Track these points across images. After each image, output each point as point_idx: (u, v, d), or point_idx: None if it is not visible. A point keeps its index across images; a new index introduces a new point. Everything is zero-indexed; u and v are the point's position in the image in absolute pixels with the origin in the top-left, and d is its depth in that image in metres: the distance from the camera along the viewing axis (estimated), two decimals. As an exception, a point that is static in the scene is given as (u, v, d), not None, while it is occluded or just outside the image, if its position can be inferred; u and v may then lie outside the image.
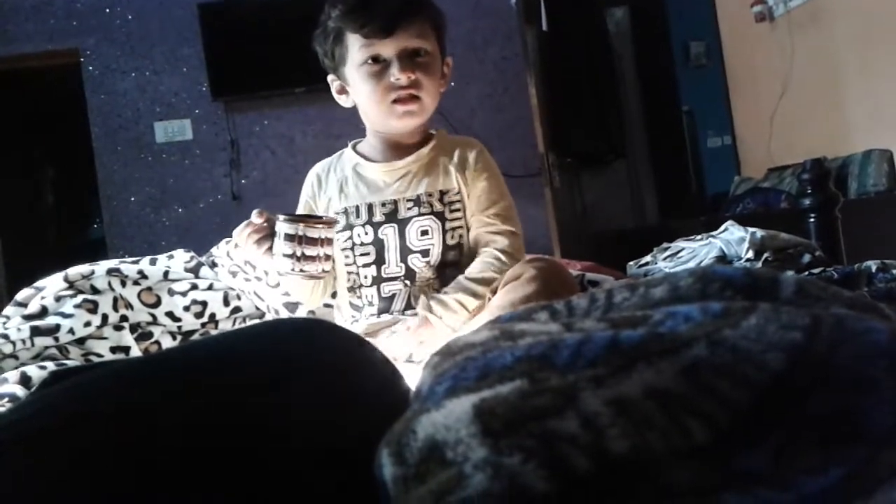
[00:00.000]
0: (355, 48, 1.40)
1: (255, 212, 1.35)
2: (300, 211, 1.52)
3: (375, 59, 1.39)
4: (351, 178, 1.49)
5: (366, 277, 1.44)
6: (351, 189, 1.48)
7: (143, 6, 4.47)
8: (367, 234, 1.44)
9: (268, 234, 1.32)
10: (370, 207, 1.45)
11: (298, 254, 1.27)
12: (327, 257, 1.29)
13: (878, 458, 0.42)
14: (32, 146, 5.90)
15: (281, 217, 1.30)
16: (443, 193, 1.45)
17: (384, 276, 1.43)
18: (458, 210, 1.46)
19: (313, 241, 1.27)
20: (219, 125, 4.49)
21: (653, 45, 5.10)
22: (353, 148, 1.54)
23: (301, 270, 1.28)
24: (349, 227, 1.45)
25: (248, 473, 0.48)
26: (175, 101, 4.48)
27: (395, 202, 1.44)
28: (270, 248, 1.31)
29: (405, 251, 1.42)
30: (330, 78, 1.51)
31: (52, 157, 6.14)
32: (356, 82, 1.43)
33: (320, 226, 1.28)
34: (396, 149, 1.49)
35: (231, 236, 1.82)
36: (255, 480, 0.48)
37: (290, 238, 1.27)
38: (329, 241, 1.29)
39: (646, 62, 5.12)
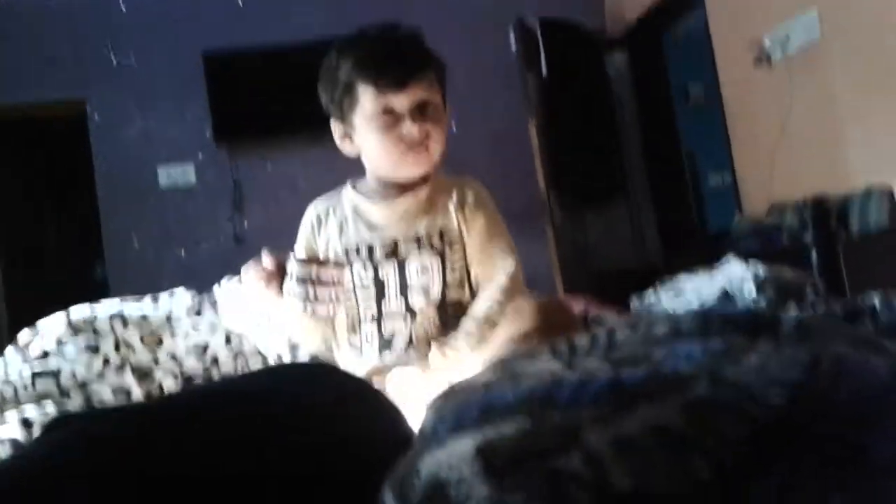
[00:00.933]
0: (367, 99, 1.41)
1: (264, 253, 1.36)
2: (300, 248, 1.53)
3: (387, 111, 1.41)
4: (351, 218, 1.50)
5: (366, 314, 1.45)
6: (351, 229, 1.49)
7: (149, 56, 4.54)
8: (366, 272, 1.44)
9: (276, 275, 1.33)
10: (370, 248, 1.46)
11: (310, 296, 1.28)
12: (338, 299, 1.31)
13: (879, 492, 0.41)
14: (38, 190, 5.94)
15: (293, 259, 1.31)
16: (443, 232, 1.46)
17: (384, 312, 1.44)
18: (458, 249, 1.47)
19: (325, 283, 1.29)
20: (222, 169, 4.52)
21: (652, 87, 5.15)
22: (353, 187, 1.55)
23: (313, 312, 1.29)
24: (349, 264, 1.45)
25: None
26: (178, 145, 4.52)
27: (396, 241, 1.45)
28: (279, 289, 1.32)
29: (405, 288, 1.43)
30: (334, 125, 1.51)
31: (56, 200, 6.17)
32: (365, 132, 1.44)
33: (333, 269, 1.30)
34: (398, 189, 1.49)
35: (233, 276, 1.83)
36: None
37: (302, 280, 1.28)
38: (339, 284, 1.31)
39: (645, 104, 5.17)
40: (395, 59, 1.40)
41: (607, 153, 4.76)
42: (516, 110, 4.63)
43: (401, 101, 1.40)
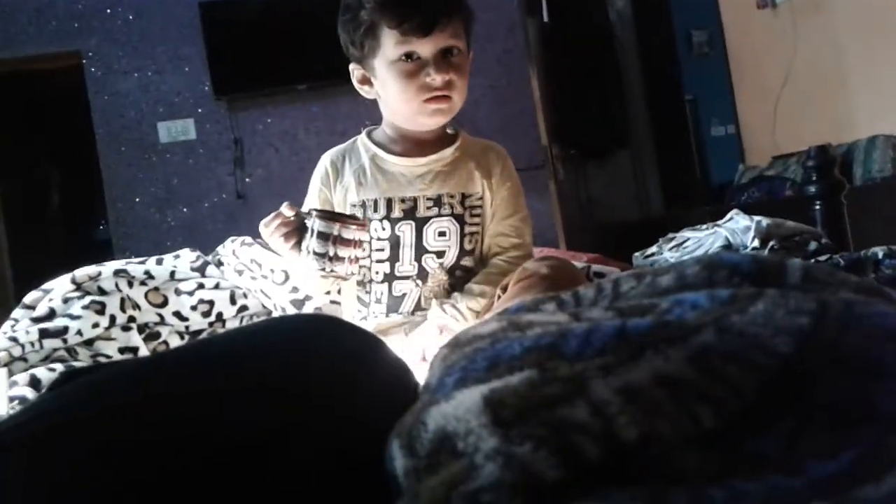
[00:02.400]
0: (390, 44, 1.36)
1: (285, 204, 1.30)
2: (314, 198, 1.48)
3: (410, 57, 1.35)
4: (369, 168, 1.46)
5: (377, 273, 1.43)
6: (369, 181, 1.45)
7: (144, 6, 4.47)
8: (384, 229, 1.42)
9: (295, 229, 1.29)
10: (389, 202, 1.43)
11: (331, 254, 1.23)
12: (357, 259, 1.27)
13: (887, 441, 0.42)
14: (37, 148, 5.92)
15: (315, 213, 1.26)
16: (465, 196, 1.45)
17: (397, 274, 1.42)
18: (478, 215, 1.45)
19: (347, 242, 1.24)
20: (222, 124, 4.49)
21: (655, 35, 5.08)
22: (369, 136, 1.51)
23: (331, 271, 1.25)
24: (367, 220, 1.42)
25: (257, 470, 0.48)
26: (178, 100, 4.48)
27: (415, 199, 1.43)
28: (297, 244, 1.28)
29: (420, 250, 1.41)
30: (352, 66, 1.46)
31: (57, 159, 6.15)
32: (385, 77, 1.39)
33: (355, 227, 1.25)
34: (417, 144, 1.46)
35: (237, 234, 1.83)
36: (265, 477, 0.48)
37: (323, 237, 1.23)
38: (361, 244, 1.26)
39: (648, 52, 5.11)
40: (420, 2, 1.34)
41: (610, 104, 4.72)
42: (517, 59, 4.57)
43: (425, 47, 1.35)
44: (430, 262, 1.42)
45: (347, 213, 1.41)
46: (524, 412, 0.41)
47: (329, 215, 1.27)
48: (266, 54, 4.29)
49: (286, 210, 1.30)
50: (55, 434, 0.47)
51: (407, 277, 1.42)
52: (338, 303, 1.58)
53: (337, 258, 1.24)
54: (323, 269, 1.25)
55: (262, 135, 4.52)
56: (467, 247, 1.44)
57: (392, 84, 1.38)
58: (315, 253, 1.24)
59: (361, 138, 1.52)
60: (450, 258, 1.43)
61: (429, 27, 1.33)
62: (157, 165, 4.49)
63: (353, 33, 1.40)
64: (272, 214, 1.31)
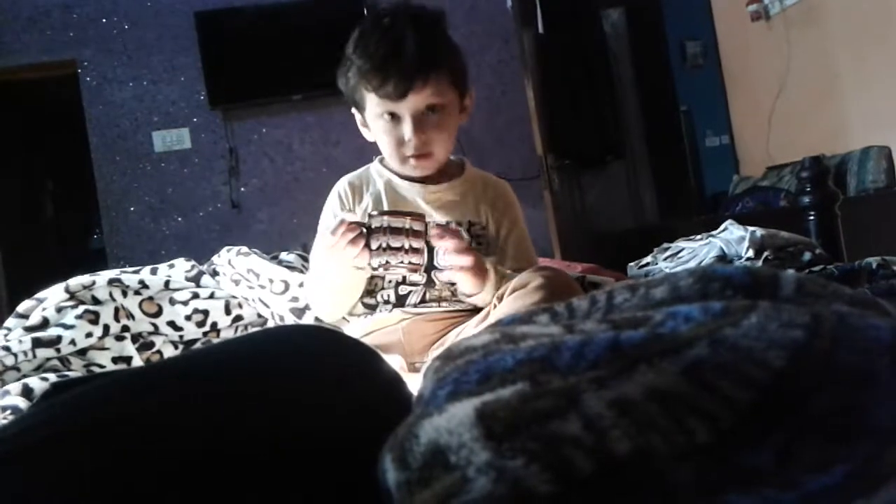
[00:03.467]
0: (372, 103, 1.44)
1: (342, 213, 1.37)
2: (328, 223, 1.52)
3: (391, 115, 1.43)
4: (385, 193, 1.52)
5: (389, 282, 1.48)
6: (386, 205, 1.51)
7: (140, 16, 4.48)
8: None
9: (360, 234, 1.32)
10: None
11: (406, 246, 1.30)
12: (414, 250, 1.31)
13: (880, 455, 0.42)
14: (31, 157, 5.91)
15: (380, 212, 1.33)
16: (471, 224, 1.51)
17: (407, 282, 1.48)
18: (481, 243, 1.51)
19: (417, 234, 1.31)
20: (217, 133, 4.50)
21: (649, 46, 5.11)
22: (381, 163, 1.57)
23: (409, 262, 1.31)
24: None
25: (251, 481, 0.48)
26: (173, 110, 4.49)
27: (426, 226, 1.47)
28: (367, 246, 1.32)
29: (431, 269, 1.45)
30: (354, 111, 1.54)
31: (52, 168, 6.14)
32: (375, 128, 1.48)
33: (419, 219, 1.32)
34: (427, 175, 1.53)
35: (231, 244, 1.83)
36: (259, 488, 0.48)
37: (396, 231, 1.30)
38: (415, 234, 1.31)
39: (643, 63, 5.13)
40: (396, 67, 1.38)
41: (604, 114, 4.73)
42: (512, 70, 4.59)
43: (402, 108, 1.41)
44: (440, 276, 1.46)
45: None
46: (516, 426, 0.41)
47: (393, 212, 1.34)
48: (261, 64, 4.30)
49: (349, 216, 1.36)
50: (45, 447, 0.46)
51: (416, 284, 1.48)
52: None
53: (412, 250, 1.31)
54: (401, 262, 1.31)
55: (257, 144, 4.52)
56: None
57: (377, 137, 1.49)
58: (391, 248, 1.30)
59: (375, 166, 1.58)
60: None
61: (404, 91, 1.39)
62: (152, 175, 4.49)
63: (345, 86, 1.49)
64: (336, 224, 1.33)
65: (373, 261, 1.31)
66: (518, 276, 1.31)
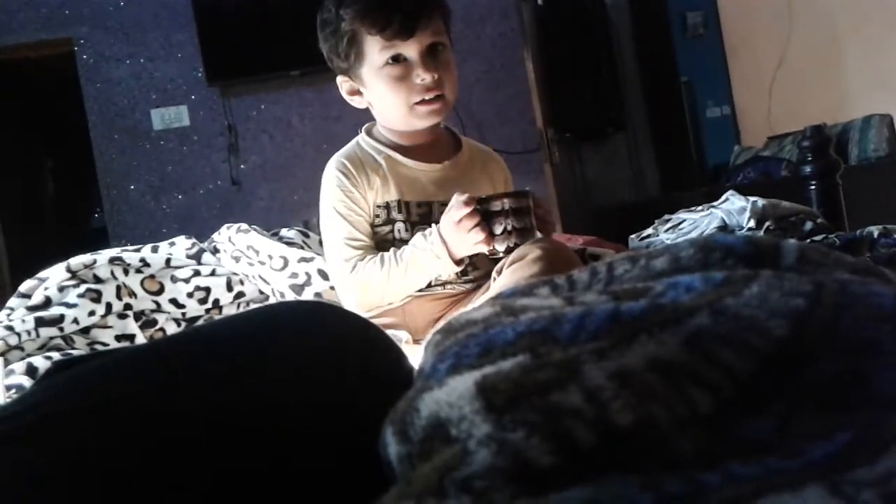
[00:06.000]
0: (374, 50, 1.36)
1: (462, 197, 1.30)
2: (339, 208, 1.44)
3: (396, 59, 1.36)
4: (387, 170, 1.45)
5: None
6: (391, 183, 1.44)
7: (135, -8, 4.44)
8: (406, 231, 1.42)
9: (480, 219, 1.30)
10: (407, 206, 1.43)
11: (528, 225, 1.30)
12: (515, 230, 1.30)
13: (883, 423, 0.41)
14: (30, 137, 5.89)
15: (499, 196, 1.32)
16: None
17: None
18: None
19: (520, 213, 1.30)
20: (216, 110, 4.47)
21: (649, 16, 5.07)
22: (372, 136, 1.50)
23: (530, 240, 1.29)
24: (391, 221, 1.43)
25: (253, 457, 0.48)
26: (171, 87, 4.46)
27: (430, 205, 1.44)
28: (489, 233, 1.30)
29: None
30: (340, 80, 1.47)
31: (51, 147, 6.13)
32: (374, 84, 1.40)
33: (530, 197, 1.32)
34: (423, 146, 1.47)
35: (232, 221, 1.83)
36: (261, 463, 0.48)
37: (520, 212, 1.29)
38: (510, 213, 1.30)
39: (643, 34, 5.09)
40: (398, 3, 1.34)
41: (605, 86, 4.70)
42: (511, 43, 4.55)
43: (410, 49, 1.35)
44: None
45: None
46: (517, 398, 0.41)
47: (512, 194, 1.32)
48: (259, 40, 4.26)
49: (469, 202, 1.30)
50: (46, 426, 0.47)
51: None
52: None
53: (532, 227, 1.31)
54: (524, 242, 1.29)
55: (256, 121, 4.50)
56: None
57: (382, 90, 1.39)
58: (516, 229, 1.29)
59: (364, 139, 1.50)
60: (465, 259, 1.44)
61: (411, 28, 1.34)
62: (151, 153, 4.47)
63: (336, 46, 1.41)
64: (456, 210, 1.30)
65: (497, 245, 1.29)
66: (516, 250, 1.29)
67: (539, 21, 4.55)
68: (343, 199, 1.43)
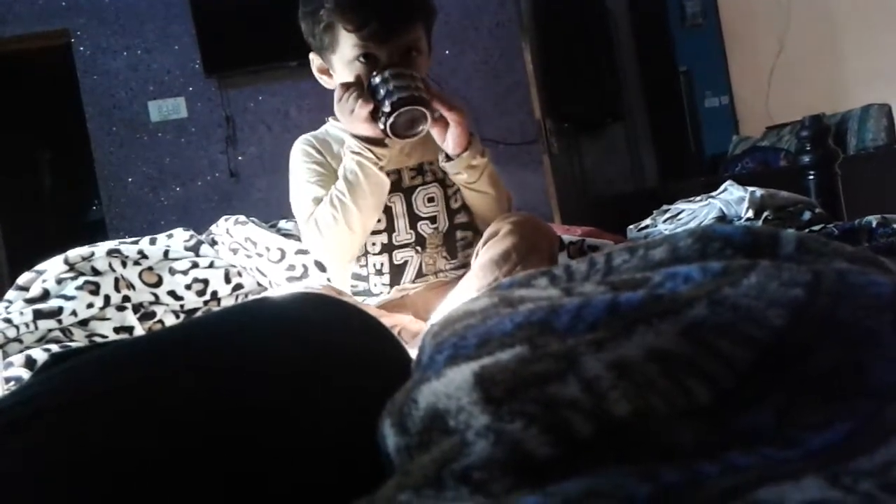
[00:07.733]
0: (347, 44, 1.36)
1: (342, 83, 1.35)
2: (310, 176, 1.47)
3: (367, 58, 1.36)
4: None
5: (374, 245, 1.44)
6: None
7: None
8: None
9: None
10: None
11: (412, 86, 1.30)
12: (396, 88, 1.30)
13: (881, 413, 0.41)
14: (27, 129, 5.87)
15: (382, 68, 1.33)
16: (432, 164, 1.46)
17: (395, 243, 1.44)
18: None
19: (401, 77, 1.32)
20: (213, 102, 4.46)
21: (648, 6, 5.05)
22: (337, 119, 1.48)
23: (421, 98, 1.31)
24: None
25: (252, 449, 0.48)
26: (168, 79, 4.45)
27: (399, 171, 1.44)
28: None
29: (414, 218, 1.44)
30: (312, 56, 1.47)
31: (48, 140, 6.10)
32: (342, 74, 1.40)
33: (385, 70, 1.32)
34: None
35: (230, 213, 1.82)
36: (260, 455, 0.48)
37: (402, 77, 1.31)
38: (389, 79, 1.31)
39: (641, 23, 5.08)
40: (380, 7, 1.33)
41: (603, 76, 4.69)
42: (509, 33, 4.54)
43: (383, 51, 1.35)
44: (425, 228, 1.44)
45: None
46: (515, 389, 0.41)
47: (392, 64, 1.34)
48: (257, 31, 4.24)
49: (349, 79, 1.34)
50: (42, 418, 0.46)
51: (406, 245, 1.44)
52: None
53: (420, 93, 1.30)
54: (414, 106, 1.29)
55: (254, 112, 4.49)
56: (454, 206, 1.47)
57: (347, 80, 1.39)
58: (397, 88, 1.29)
59: (332, 123, 1.51)
60: (442, 222, 1.45)
61: (387, 35, 1.34)
62: (149, 145, 4.46)
63: (312, 28, 1.41)
64: (342, 89, 1.34)
65: (384, 108, 1.29)
66: (489, 227, 1.32)
67: (537, 11, 4.54)
68: (309, 167, 1.46)
